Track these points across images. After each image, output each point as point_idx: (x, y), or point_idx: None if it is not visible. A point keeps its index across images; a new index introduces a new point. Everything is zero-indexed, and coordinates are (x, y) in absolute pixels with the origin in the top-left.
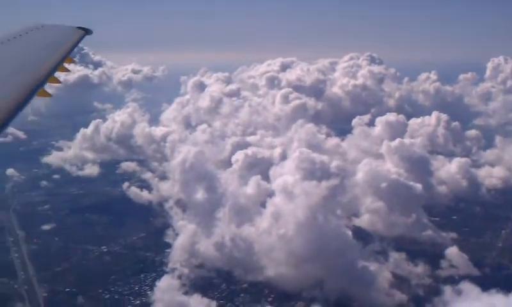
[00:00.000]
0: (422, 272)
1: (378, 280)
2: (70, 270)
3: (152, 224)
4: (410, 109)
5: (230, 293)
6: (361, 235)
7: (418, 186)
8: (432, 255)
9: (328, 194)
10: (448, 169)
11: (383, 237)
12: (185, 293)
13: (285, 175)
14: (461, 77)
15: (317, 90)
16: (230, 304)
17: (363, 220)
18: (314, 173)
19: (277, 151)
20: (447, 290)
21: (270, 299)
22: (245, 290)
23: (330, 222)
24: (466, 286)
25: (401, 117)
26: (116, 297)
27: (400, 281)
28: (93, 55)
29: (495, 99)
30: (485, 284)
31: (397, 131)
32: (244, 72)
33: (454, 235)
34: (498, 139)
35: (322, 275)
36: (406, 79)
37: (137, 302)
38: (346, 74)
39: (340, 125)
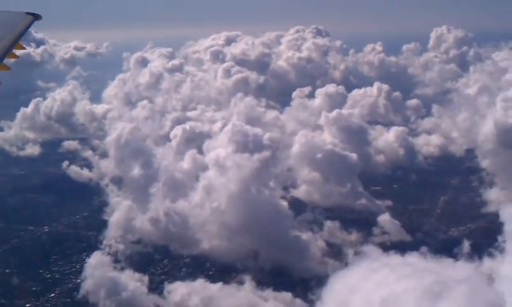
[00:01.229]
0: (355, 239)
1: (311, 249)
2: (10, 252)
3: (93, 203)
4: (355, 80)
5: (171, 268)
6: (297, 205)
7: (353, 155)
8: (365, 223)
9: (260, 166)
10: (386, 138)
11: (319, 207)
12: (121, 269)
13: (218, 149)
14: (405, 47)
15: (262, 63)
16: (171, 278)
17: (300, 191)
18: (247, 145)
19: (217, 126)
20: (350, 253)
21: (211, 272)
22: (186, 264)
23: (263, 194)
24: (369, 248)
25: (341, 88)
26: (57, 276)
27: (333, 249)
28: (35, 33)
29: (432, 69)
30: (416, 248)
31: (337, 102)
32: (190, 47)
33: (389, 202)
34: (435, 108)
35: (256, 246)
36: (351, 51)
37: (78, 280)
38: (291, 47)
39: (285, 98)
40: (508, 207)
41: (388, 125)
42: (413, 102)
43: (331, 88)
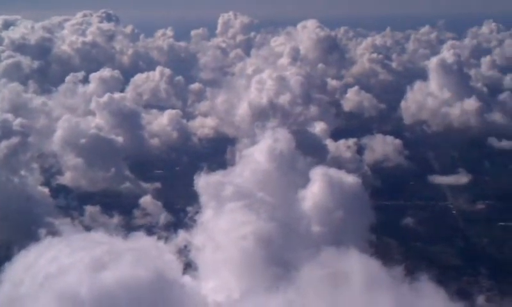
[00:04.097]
0: (117, 222)
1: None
2: None
3: None
4: (144, 65)
5: None
6: (61, 192)
7: (119, 139)
8: (128, 206)
9: (8, 153)
10: (160, 122)
11: (82, 192)
12: None
13: None
14: (193, 32)
15: (42, 48)
16: None
17: (66, 178)
18: None
19: None
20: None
21: None
22: None
23: (12, 182)
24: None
25: (116, 72)
26: None
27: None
28: None
29: (217, 53)
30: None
31: (113, 87)
32: None
33: (158, 185)
34: (209, 91)
35: (8, 238)
36: (142, 36)
37: None
38: (75, 32)
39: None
40: (203, 177)
41: (167, 108)
42: (195, 86)
43: (105, 73)
